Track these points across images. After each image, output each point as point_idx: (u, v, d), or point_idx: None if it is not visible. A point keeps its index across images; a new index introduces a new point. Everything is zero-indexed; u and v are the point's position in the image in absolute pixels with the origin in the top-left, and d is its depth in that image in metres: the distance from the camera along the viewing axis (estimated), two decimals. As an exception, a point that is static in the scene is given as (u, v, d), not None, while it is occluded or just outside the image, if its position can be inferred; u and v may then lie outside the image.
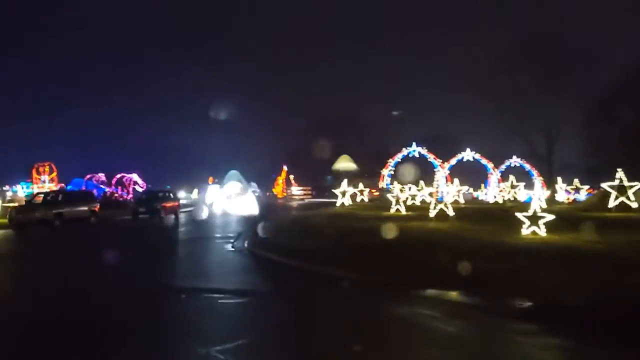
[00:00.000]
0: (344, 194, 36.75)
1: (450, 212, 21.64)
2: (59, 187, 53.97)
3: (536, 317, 7.38)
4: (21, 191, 47.97)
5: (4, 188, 57.51)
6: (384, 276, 9.92)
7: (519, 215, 14.46)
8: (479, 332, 6.94)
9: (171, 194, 32.02)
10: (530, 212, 14.21)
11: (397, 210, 27.60)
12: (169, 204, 28.80)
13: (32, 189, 46.67)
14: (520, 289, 8.30)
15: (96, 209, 24.98)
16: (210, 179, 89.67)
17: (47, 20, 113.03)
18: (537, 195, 18.20)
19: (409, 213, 26.58)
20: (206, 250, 15.38)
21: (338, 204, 35.18)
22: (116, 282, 10.24)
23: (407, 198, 31.34)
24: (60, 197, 24.06)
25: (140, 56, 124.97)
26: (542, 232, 13.97)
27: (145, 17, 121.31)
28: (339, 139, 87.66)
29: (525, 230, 14.13)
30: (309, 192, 69.70)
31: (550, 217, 14.19)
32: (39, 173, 48.81)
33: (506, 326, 7.14)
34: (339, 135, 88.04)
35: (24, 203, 30.66)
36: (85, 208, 23.92)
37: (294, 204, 57.18)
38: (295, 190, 68.38)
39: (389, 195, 29.90)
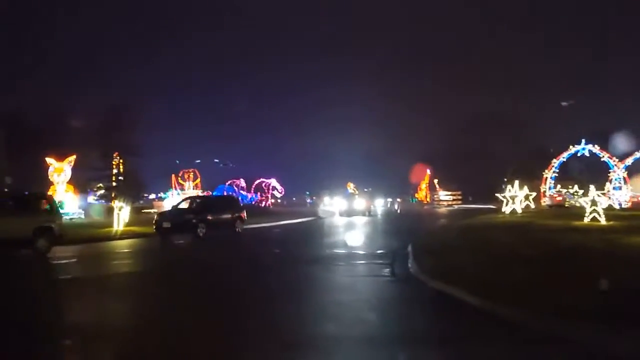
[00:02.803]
0: (513, 199, 30.26)
1: None
2: (205, 193, 54.88)
3: None
4: (172, 198, 48.86)
5: (148, 195, 60.46)
6: None
7: None
8: None
9: (228, 201, 24.56)
10: None
11: (594, 219, 20.67)
12: (222, 216, 20.76)
13: (171, 195, 47.13)
14: None
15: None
16: (349, 184, 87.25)
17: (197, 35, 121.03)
18: None
19: (612, 223, 19.71)
20: (355, 280, 10.12)
21: (508, 211, 28.96)
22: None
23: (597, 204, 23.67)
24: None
25: (284, 65, 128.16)
26: None
27: (303, 23, 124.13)
28: (489, 139, 79.37)
29: None
30: (459, 197, 62.61)
31: None
32: (183, 179, 49.30)
33: None
34: (489, 134, 79.71)
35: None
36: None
37: (443, 210, 50.93)
38: (443, 195, 61.78)
39: (581, 201, 22.84)
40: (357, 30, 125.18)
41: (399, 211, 47.28)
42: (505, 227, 19.72)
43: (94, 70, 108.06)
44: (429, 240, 15.14)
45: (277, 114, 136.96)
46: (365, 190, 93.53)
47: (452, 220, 27.93)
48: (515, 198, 29.71)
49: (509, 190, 30.89)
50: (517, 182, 30.25)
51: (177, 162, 50.61)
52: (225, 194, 54.23)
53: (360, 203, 37.07)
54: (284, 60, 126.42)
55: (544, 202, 47.18)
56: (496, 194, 33.43)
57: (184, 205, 22.19)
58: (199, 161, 54.29)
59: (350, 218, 32.37)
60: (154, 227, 19.51)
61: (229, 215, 21.08)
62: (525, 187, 33.14)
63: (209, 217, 19.83)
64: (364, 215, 34.72)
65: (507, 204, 30.51)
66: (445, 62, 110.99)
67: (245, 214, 22.57)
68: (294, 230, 26.09)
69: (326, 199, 41.07)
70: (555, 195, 44.88)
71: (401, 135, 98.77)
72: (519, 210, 29.37)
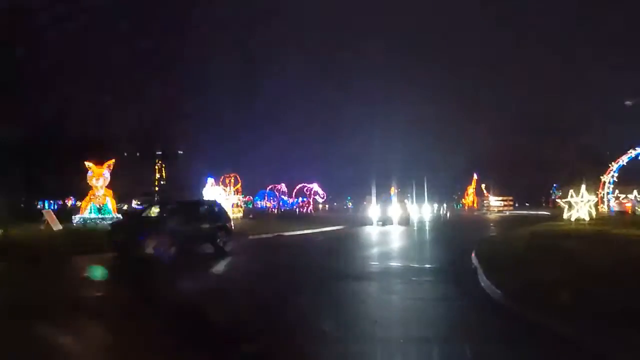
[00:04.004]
0: (576, 205, 27.70)
1: None
2: (246, 198, 54.23)
3: None
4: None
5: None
6: None
7: None
8: None
9: (208, 209, 18.41)
10: None
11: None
12: (196, 226, 16.60)
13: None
14: None
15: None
16: (392, 189, 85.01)
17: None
18: None
19: None
20: (422, 306, 8.09)
21: (573, 218, 26.42)
22: None
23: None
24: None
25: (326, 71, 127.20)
26: None
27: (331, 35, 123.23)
28: (538, 142, 75.67)
29: None
30: (510, 202, 59.45)
31: None
32: (225, 184, 48.47)
33: None
34: (538, 138, 76.02)
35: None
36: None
37: (494, 216, 48.16)
38: (494, 200, 58.76)
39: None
40: (404, 30, 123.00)
41: (447, 217, 44.95)
42: (578, 236, 17.50)
43: (135, 76, 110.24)
44: (494, 252, 13.24)
45: (320, 117, 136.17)
46: (409, 195, 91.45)
47: (511, 228, 25.62)
48: (579, 204, 27.10)
49: (572, 195, 28.29)
50: (583, 187, 27.60)
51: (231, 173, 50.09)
52: (265, 200, 53.27)
53: (401, 209, 34.04)
54: (332, 60, 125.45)
55: (602, 208, 43.99)
56: (557, 200, 30.79)
57: (153, 212, 18.19)
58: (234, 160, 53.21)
59: (393, 225, 29.95)
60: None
61: (207, 226, 16.84)
62: (585, 193, 30.41)
63: (177, 229, 15.62)
64: (406, 222, 31.81)
65: (569, 210, 27.95)
66: (493, 62, 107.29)
67: (231, 224, 18.32)
68: (318, 240, 22.30)
69: (367, 205, 38.05)
70: (624, 202, 41.56)
71: (447, 139, 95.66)
72: (587, 218, 26.74)
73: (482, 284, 9.36)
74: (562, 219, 28.26)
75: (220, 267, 14.19)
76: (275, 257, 16.39)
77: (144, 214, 18.83)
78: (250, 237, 22.25)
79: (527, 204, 63.12)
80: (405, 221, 31.92)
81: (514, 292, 7.74)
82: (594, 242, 15.13)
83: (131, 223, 18.32)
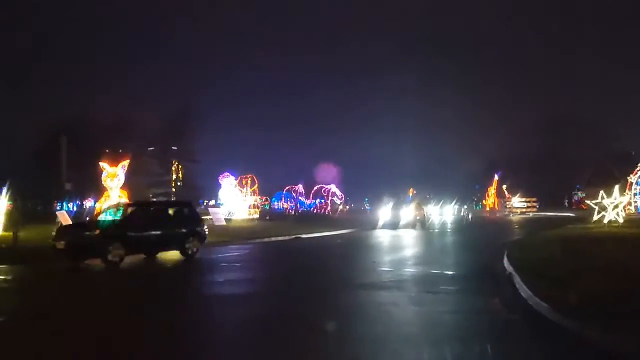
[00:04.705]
0: (603, 208, 26.39)
1: None
2: (263, 199, 53.55)
3: None
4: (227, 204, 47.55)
5: (209, 201, 59.82)
6: None
7: None
8: None
9: (177, 211, 16.19)
10: None
11: None
12: (161, 231, 14.66)
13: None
14: None
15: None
16: (411, 190, 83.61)
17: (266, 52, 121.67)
18: None
19: None
20: (457, 320, 7.17)
21: (606, 220, 25.10)
22: None
23: None
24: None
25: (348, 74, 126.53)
26: None
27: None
28: (561, 143, 73.55)
29: None
30: (534, 204, 57.78)
31: None
32: (242, 185, 47.88)
33: None
34: (561, 138, 73.91)
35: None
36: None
37: (518, 218, 46.70)
38: (517, 202, 57.16)
39: None
40: (424, 29, 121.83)
41: (470, 219, 43.64)
42: (617, 240, 16.31)
43: (155, 77, 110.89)
44: (529, 258, 12.21)
45: (339, 118, 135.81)
46: (427, 196, 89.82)
47: (539, 231, 24.37)
48: (612, 206, 25.76)
49: (603, 197, 26.96)
50: (617, 188, 26.29)
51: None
52: (282, 201, 52.63)
53: (417, 211, 30.93)
54: (350, 59, 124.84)
55: (630, 209, 42.34)
56: (586, 202, 29.45)
57: (112, 214, 16.01)
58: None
59: (409, 229, 27.99)
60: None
61: (175, 231, 14.85)
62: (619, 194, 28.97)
63: (132, 234, 13.74)
64: (423, 226, 29.54)
65: (600, 213, 26.65)
66: (517, 63, 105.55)
67: (205, 229, 16.04)
68: (336, 244, 21.27)
69: (384, 206, 34.49)
70: None
71: (467, 140, 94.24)
72: (620, 220, 25.41)
73: (523, 294, 8.42)
74: (592, 222, 26.96)
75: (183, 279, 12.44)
76: (270, 270, 14.02)
77: (100, 217, 16.39)
78: (258, 240, 21.52)
79: (550, 206, 61.27)
80: (422, 224, 29.86)
81: (569, 308, 6.74)
82: (637, 247, 14.03)
83: (77, 227, 15.93)
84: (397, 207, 31.04)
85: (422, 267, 13.03)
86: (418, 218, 30.06)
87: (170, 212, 16.03)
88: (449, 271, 12.35)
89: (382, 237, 23.65)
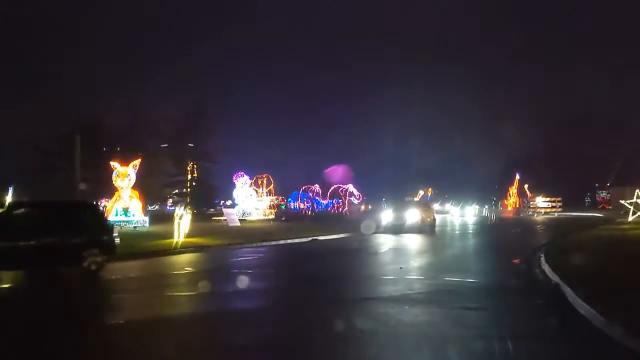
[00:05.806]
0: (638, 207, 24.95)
1: None
2: (278, 199, 52.62)
3: None
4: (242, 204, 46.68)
5: (226, 203, 59.00)
6: None
7: None
8: None
9: (74, 214, 12.59)
10: None
11: None
12: (46, 240, 11.25)
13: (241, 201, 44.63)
14: None
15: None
16: (429, 190, 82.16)
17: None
18: None
19: None
20: (499, 345, 5.74)
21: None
22: None
23: None
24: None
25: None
26: None
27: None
28: (583, 141, 71.60)
29: None
30: (559, 203, 55.97)
31: None
32: (257, 185, 46.97)
33: None
34: (583, 137, 71.97)
35: None
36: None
37: (542, 218, 45.01)
38: (541, 202, 55.36)
39: None
40: (444, 29, 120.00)
41: (494, 220, 42.09)
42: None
43: (171, 76, 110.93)
44: (575, 264, 10.93)
45: (358, 118, 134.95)
46: (446, 196, 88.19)
47: (571, 233, 22.82)
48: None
49: (638, 196, 25.48)
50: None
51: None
52: (299, 201, 51.62)
53: (423, 212, 26.99)
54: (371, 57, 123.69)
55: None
56: (621, 201, 27.92)
57: None
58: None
59: (426, 231, 25.29)
60: None
61: (71, 240, 11.53)
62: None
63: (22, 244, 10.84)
64: (431, 229, 26.04)
65: (635, 212, 25.20)
66: (539, 62, 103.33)
67: (113, 237, 12.96)
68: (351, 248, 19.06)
69: (387, 208, 30.00)
70: None
71: (486, 139, 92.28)
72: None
73: (582, 312, 7.17)
74: (621, 221, 25.53)
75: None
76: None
77: None
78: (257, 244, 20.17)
79: (571, 206, 59.47)
80: (431, 228, 26.25)
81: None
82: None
83: None
84: (400, 208, 27.60)
85: (454, 274, 11.55)
86: (428, 220, 26.75)
87: (65, 214, 12.31)
88: (486, 280, 11.11)
89: (407, 239, 21.59)
